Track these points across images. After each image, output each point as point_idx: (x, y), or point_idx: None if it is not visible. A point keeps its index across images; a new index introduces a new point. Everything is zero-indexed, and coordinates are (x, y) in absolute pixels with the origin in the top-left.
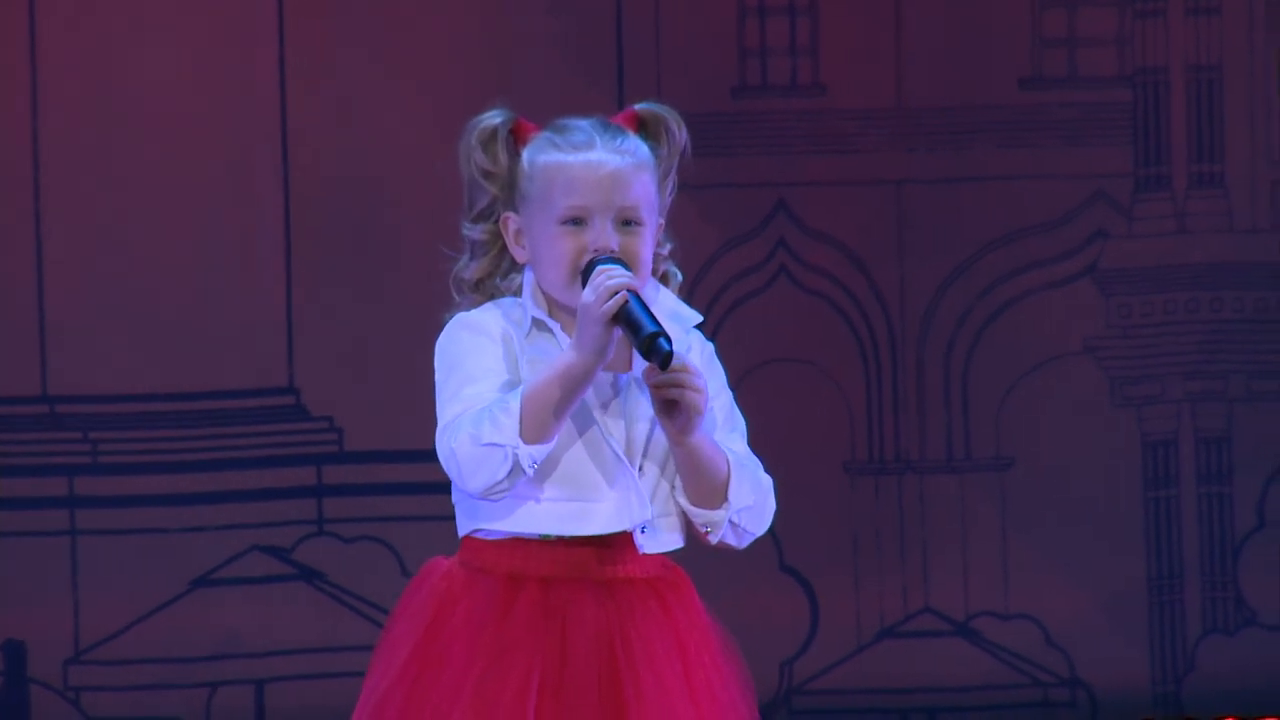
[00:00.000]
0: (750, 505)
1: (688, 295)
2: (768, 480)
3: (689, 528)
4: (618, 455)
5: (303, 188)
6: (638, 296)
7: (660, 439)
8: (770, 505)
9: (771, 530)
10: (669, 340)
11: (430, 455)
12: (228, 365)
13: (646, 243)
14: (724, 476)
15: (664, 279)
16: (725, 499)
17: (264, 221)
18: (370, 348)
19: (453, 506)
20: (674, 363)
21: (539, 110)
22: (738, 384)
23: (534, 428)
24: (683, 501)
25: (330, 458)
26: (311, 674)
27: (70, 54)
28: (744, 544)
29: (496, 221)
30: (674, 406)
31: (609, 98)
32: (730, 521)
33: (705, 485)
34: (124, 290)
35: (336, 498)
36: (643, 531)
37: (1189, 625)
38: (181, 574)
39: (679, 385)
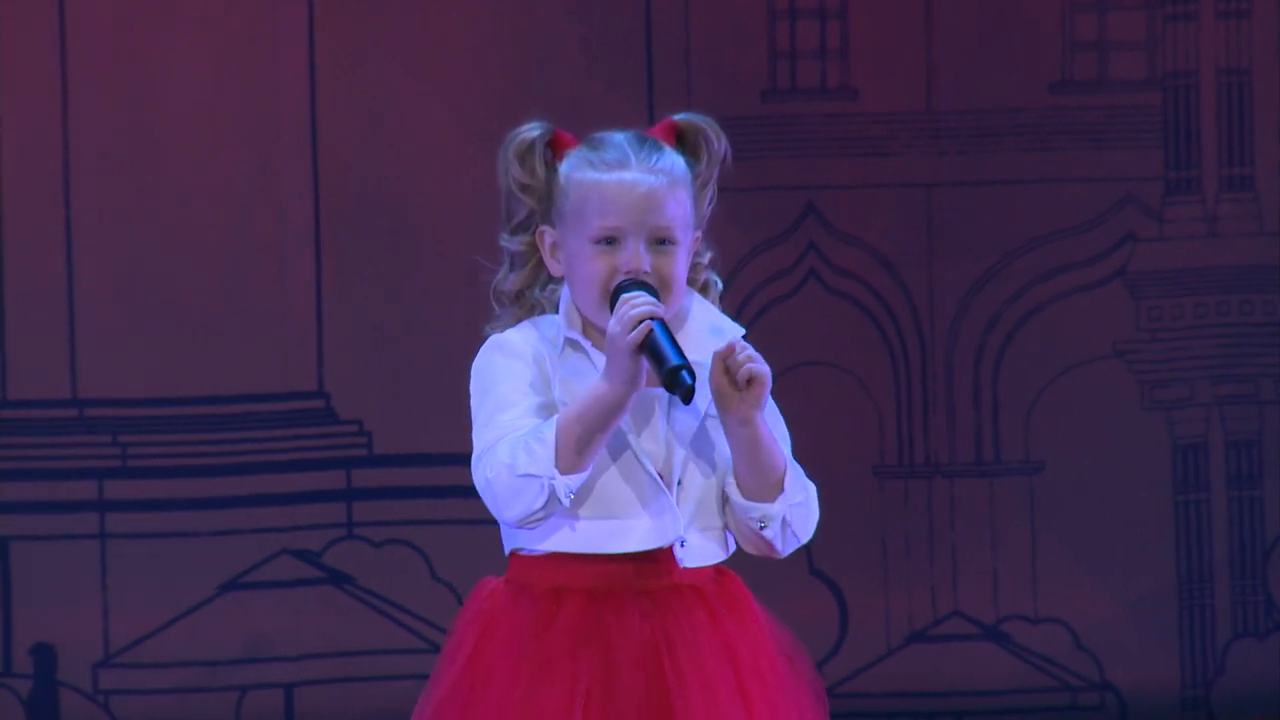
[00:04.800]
0: (801, 502)
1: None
2: (812, 485)
3: (737, 535)
4: (651, 475)
5: (332, 191)
6: (663, 324)
7: (703, 452)
8: (815, 510)
9: None
10: (692, 374)
11: (459, 459)
12: (257, 369)
13: (680, 262)
14: (781, 469)
15: (704, 288)
16: (781, 490)
17: (293, 225)
18: (400, 351)
19: (482, 509)
20: (731, 346)
21: (568, 114)
22: None
23: (569, 457)
24: (738, 499)
25: (360, 461)
26: (341, 678)
27: (100, 57)
28: (787, 550)
29: (534, 234)
30: (748, 381)
31: (638, 102)
32: (782, 519)
33: (763, 475)
34: (153, 294)
35: (366, 501)
36: (681, 545)
37: (1219, 629)
38: (211, 578)
39: (750, 358)
